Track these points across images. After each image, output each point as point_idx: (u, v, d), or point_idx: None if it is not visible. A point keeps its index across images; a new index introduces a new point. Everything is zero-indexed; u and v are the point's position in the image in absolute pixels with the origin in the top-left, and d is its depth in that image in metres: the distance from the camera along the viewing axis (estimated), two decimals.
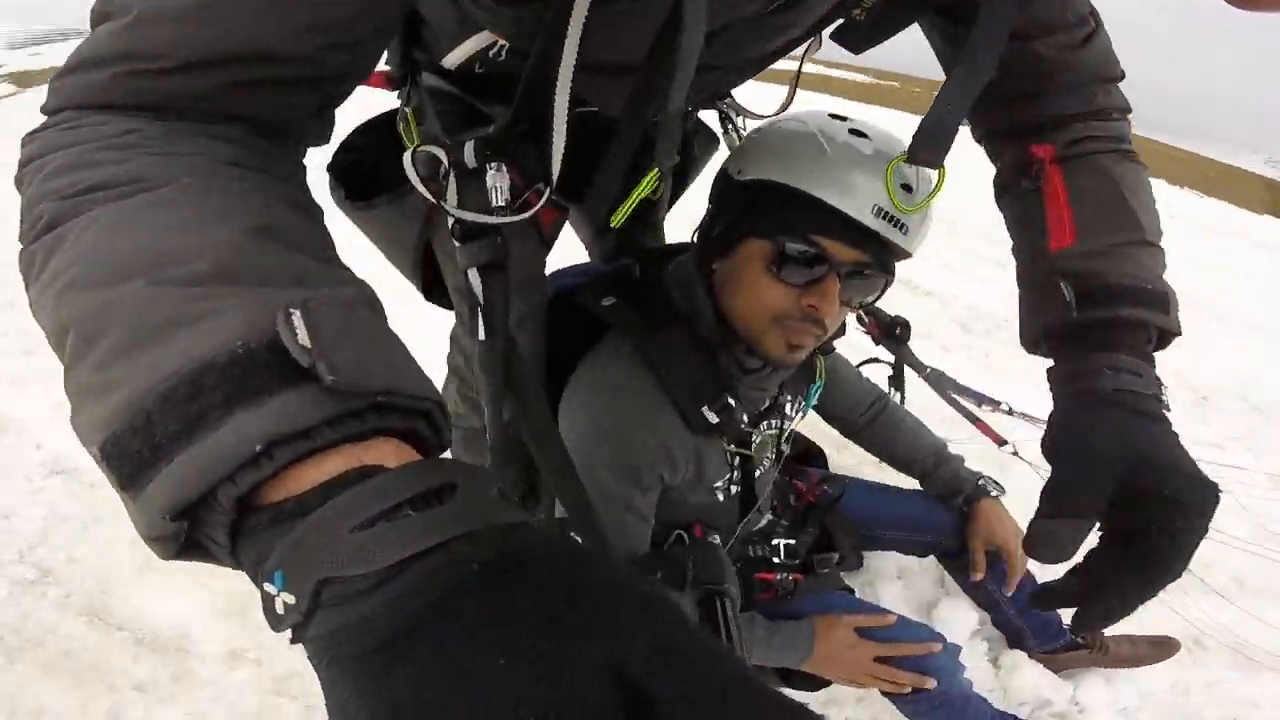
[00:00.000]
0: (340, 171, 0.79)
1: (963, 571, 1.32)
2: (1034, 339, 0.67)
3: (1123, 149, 0.66)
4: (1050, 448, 0.56)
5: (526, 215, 0.59)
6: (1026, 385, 1.96)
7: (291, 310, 0.29)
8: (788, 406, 1.08)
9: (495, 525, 0.26)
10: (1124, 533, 0.52)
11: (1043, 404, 0.65)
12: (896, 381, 1.49)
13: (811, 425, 1.41)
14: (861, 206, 0.72)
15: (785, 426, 1.08)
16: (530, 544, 0.26)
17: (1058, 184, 0.62)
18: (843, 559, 1.26)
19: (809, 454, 1.56)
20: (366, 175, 0.77)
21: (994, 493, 1.25)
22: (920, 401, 1.54)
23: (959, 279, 3.43)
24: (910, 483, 1.43)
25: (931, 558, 1.43)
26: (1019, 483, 1.39)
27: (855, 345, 1.65)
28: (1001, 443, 1.42)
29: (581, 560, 0.26)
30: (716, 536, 1.01)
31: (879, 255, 0.77)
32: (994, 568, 1.28)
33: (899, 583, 1.57)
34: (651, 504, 0.92)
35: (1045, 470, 0.57)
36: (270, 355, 0.28)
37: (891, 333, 1.40)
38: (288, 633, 0.26)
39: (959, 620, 1.48)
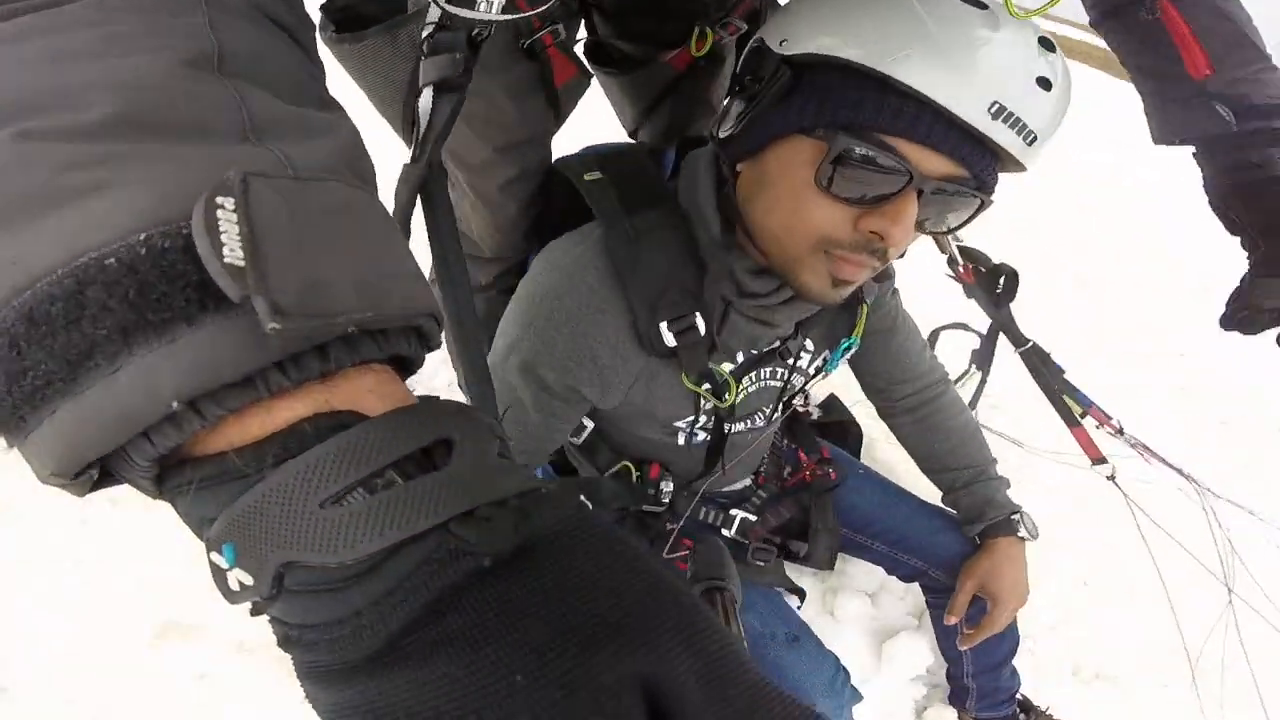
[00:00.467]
0: (335, 13, 0.69)
1: (941, 609, 1.08)
2: (1170, 138, 0.73)
3: None
4: (1258, 221, 0.67)
5: (509, 18, 0.51)
6: (1162, 426, 1.52)
7: (220, 199, 0.19)
8: (805, 359, 0.85)
9: (501, 500, 0.21)
10: None
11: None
12: (983, 357, 1.17)
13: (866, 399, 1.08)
14: (974, 101, 0.52)
15: (794, 382, 0.86)
16: (547, 526, 0.21)
17: (1177, 18, 0.66)
18: (809, 555, 1.07)
19: (843, 429, 1.24)
20: (365, 20, 0.69)
21: (1022, 534, 0.99)
22: (1001, 386, 1.14)
23: (1126, 280, 2.75)
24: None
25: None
26: (1099, 516, 1.05)
27: (927, 294, 1.21)
28: (1099, 460, 1.07)
29: (610, 550, 0.21)
30: (670, 483, 0.89)
31: (982, 168, 0.57)
32: (971, 617, 1.05)
33: (867, 600, 1.30)
34: (563, 418, 0.78)
35: (1144, 505, 0.79)
36: (187, 259, 0.19)
37: (992, 285, 1.01)
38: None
39: (909, 658, 1.24)
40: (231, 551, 0.20)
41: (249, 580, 0.20)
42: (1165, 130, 0.71)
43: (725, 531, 1.02)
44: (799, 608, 1.13)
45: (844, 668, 0.94)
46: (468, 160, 0.81)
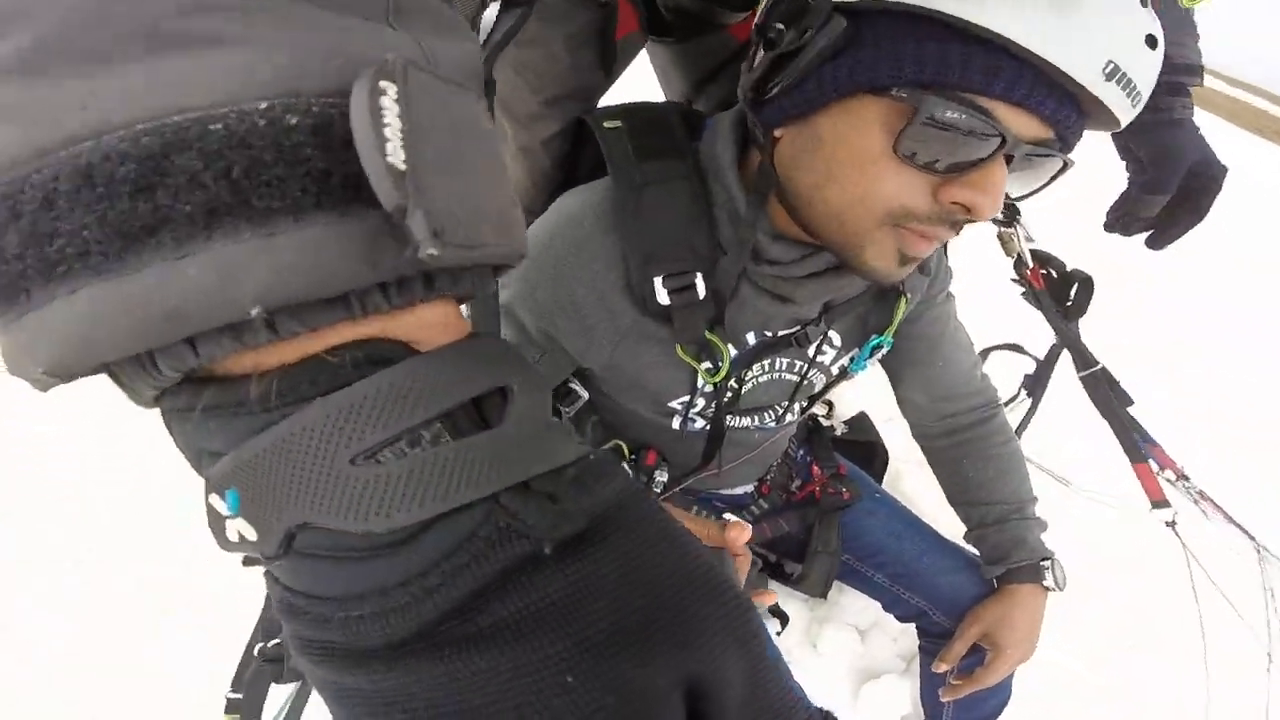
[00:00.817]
0: None
1: (934, 656, 0.97)
2: None
3: None
4: (1152, 155, 0.79)
5: None
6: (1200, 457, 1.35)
7: (384, 84, 0.16)
8: (829, 354, 0.76)
9: (558, 469, 0.19)
10: (1183, 191, 0.79)
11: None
12: (1037, 382, 1.07)
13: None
14: (1088, 60, 0.45)
15: (812, 379, 0.77)
16: (604, 504, 0.19)
17: None
18: (802, 578, 0.98)
19: (870, 451, 1.14)
20: None
21: (1048, 583, 0.88)
22: (1043, 415, 1.01)
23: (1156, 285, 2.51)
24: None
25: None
26: (1134, 567, 0.94)
27: (979, 308, 1.08)
28: (1161, 503, 0.94)
29: (663, 533, 0.20)
30: (665, 473, 0.82)
31: (1071, 128, 0.50)
32: (965, 668, 0.95)
33: (856, 636, 1.17)
34: (548, 364, 0.72)
35: (1202, 561, 0.81)
36: (316, 143, 0.16)
37: (1063, 295, 0.90)
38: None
39: (886, 703, 1.12)
40: (235, 499, 0.17)
41: (251, 535, 0.18)
42: None
43: None
44: (779, 634, 1.01)
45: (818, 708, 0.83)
46: (516, 112, 0.79)
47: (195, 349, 0.16)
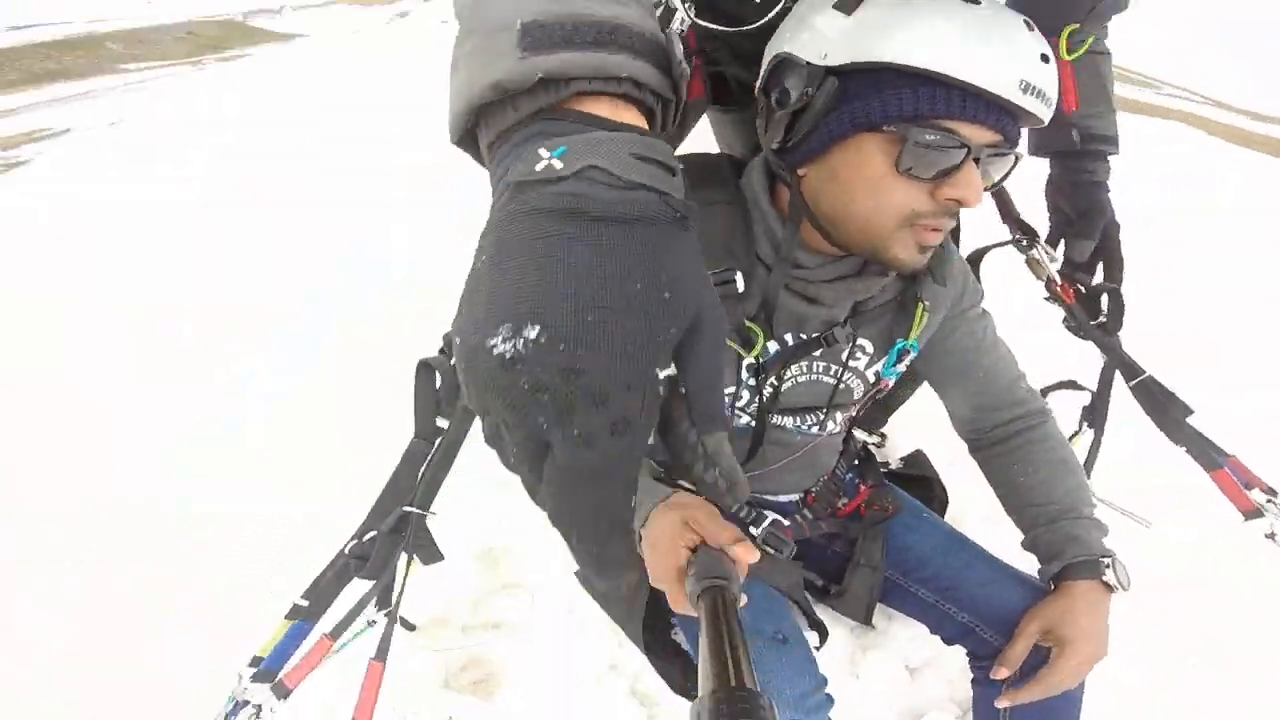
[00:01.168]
0: None
1: (986, 685, 0.88)
2: (1040, 151, 1.07)
3: (1104, 52, 1.03)
4: (1078, 208, 1.01)
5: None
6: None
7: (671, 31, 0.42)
8: (861, 360, 0.85)
9: (687, 202, 0.34)
10: (1101, 242, 1.03)
11: None
12: (1095, 413, 1.06)
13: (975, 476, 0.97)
14: (1009, 83, 0.65)
15: (847, 380, 0.85)
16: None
17: (1069, 74, 0.98)
18: (842, 594, 0.98)
19: (927, 487, 1.14)
20: None
21: (1109, 578, 0.81)
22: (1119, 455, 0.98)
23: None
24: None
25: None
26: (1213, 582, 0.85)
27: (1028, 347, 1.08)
28: (1253, 513, 0.84)
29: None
30: None
31: (1012, 131, 0.70)
32: (1025, 675, 0.84)
33: (905, 673, 1.06)
34: None
35: None
36: (649, 42, 0.37)
37: (1094, 309, 0.95)
38: None
39: None
40: (564, 150, 0.31)
41: (559, 166, 0.30)
42: (1037, 145, 1.06)
43: (753, 529, 0.92)
44: (818, 648, 0.95)
45: (829, 694, 0.81)
46: None
47: (588, 79, 0.34)
